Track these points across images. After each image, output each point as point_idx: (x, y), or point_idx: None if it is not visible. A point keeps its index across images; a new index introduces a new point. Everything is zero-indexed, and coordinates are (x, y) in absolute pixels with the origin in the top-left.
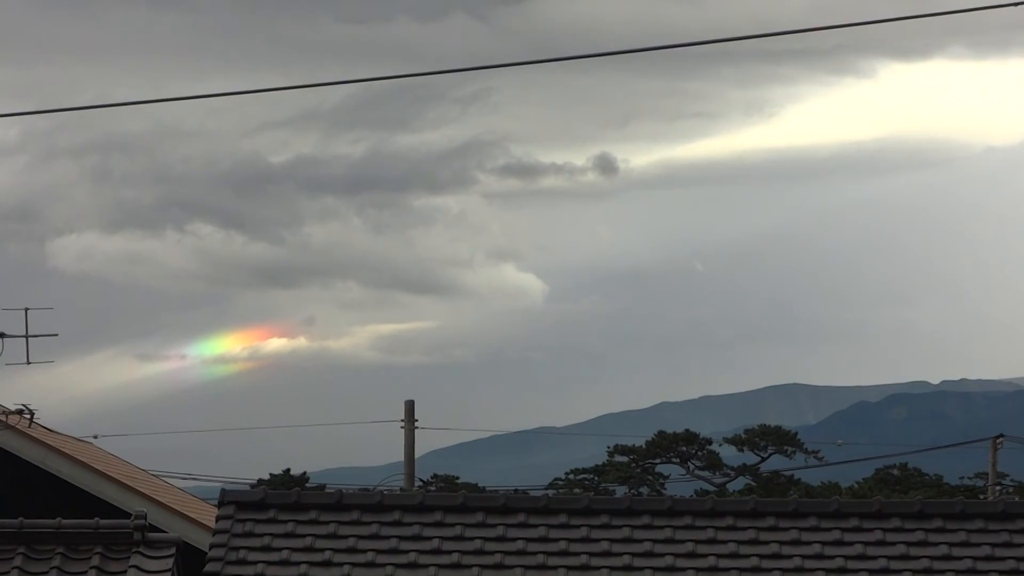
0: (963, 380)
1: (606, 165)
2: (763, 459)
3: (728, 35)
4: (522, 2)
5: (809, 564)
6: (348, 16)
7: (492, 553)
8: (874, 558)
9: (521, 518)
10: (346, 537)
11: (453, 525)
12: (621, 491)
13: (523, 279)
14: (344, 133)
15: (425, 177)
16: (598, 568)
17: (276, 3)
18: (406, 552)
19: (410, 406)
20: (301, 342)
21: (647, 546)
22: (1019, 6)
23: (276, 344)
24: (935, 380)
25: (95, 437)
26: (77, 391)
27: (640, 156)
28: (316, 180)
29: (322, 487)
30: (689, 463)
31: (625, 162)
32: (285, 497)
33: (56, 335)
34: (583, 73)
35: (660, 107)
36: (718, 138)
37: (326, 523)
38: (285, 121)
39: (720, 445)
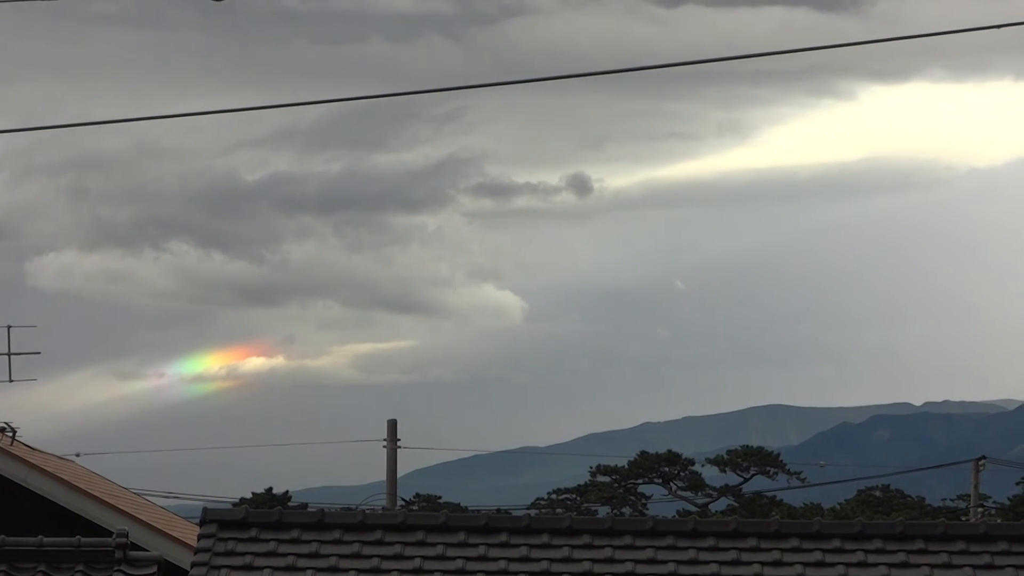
0: (946, 402)
1: (581, 185)
2: (745, 480)
3: (700, 56)
4: (495, 23)
5: None
6: (322, 37)
7: (474, 573)
8: None
9: (503, 538)
10: (328, 556)
11: (435, 544)
12: (603, 511)
13: (502, 298)
14: (320, 152)
15: (401, 196)
16: None
17: (251, 24)
18: (387, 572)
19: (392, 425)
20: (280, 361)
21: (629, 566)
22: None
23: (255, 363)
24: (918, 402)
25: (77, 455)
26: (58, 409)
27: (620, 176)
28: (292, 198)
29: (304, 506)
30: (671, 483)
31: (600, 182)
32: (267, 516)
33: (39, 353)
34: (559, 93)
35: (638, 127)
36: (699, 159)
37: (308, 542)
38: (261, 140)
39: (702, 466)
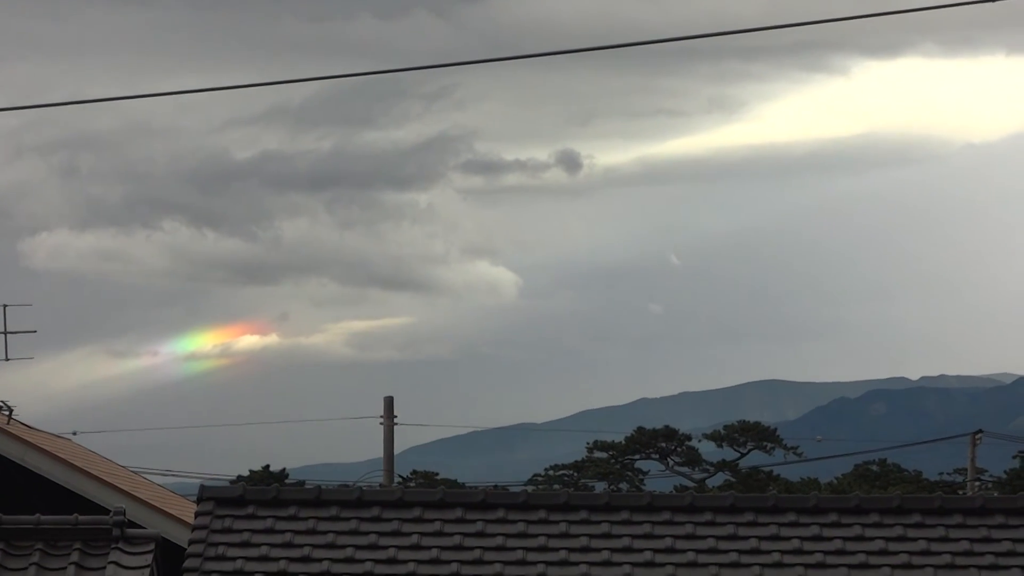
0: (942, 376)
1: (570, 161)
2: (742, 455)
3: (689, 32)
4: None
5: (788, 559)
6: (309, 14)
7: (471, 549)
8: (853, 553)
9: (500, 514)
10: (325, 533)
11: (432, 521)
12: (600, 487)
13: (497, 275)
14: (310, 130)
15: (391, 173)
16: (577, 563)
17: (240, 2)
18: (385, 548)
19: (389, 402)
20: (274, 339)
21: (626, 541)
22: (986, 3)
23: (249, 341)
24: (914, 376)
25: (74, 434)
26: (54, 388)
27: (612, 153)
28: (282, 176)
29: (301, 483)
30: (668, 459)
31: (590, 158)
32: (264, 493)
33: (35, 331)
34: (548, 70)
35: (629, 104)
36: (692, 135)
37: (305, 519)
38: (252, 118)
39: (699, 441)
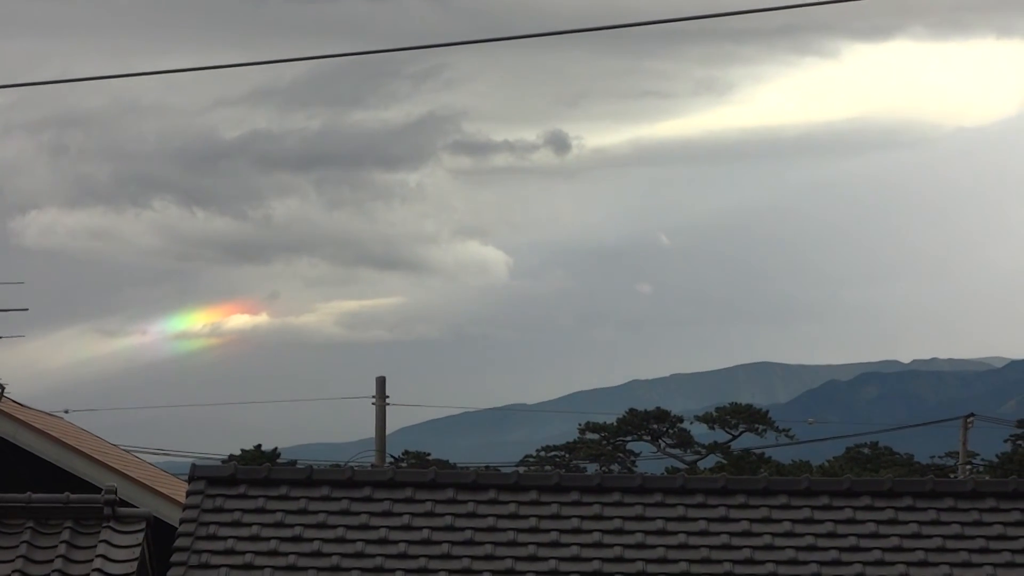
0: (934, 359)
1: (559, 143)
2: (734, 437)
3: (676, 14)
4: None
5: (779, 542)
6: None
7: (462, 529)
8: (844, 536)
9: (491, 495)
10: (316, 513)
11: (423, 501)
12: (592, 468)
13: (487, 255)
14: (299, 110)
15: (380, 153)
16: (568, 545)
17: None
18: (376, 528)
19: (381, 382)
20: (264, 318)
21: (617, 523)
22: None
23: (239, 320)
24: (906, 359)
25: (66, 412)
26: (45, 366)
27: (602, 135)
28: (270, 156)
29: (293, 463)
30: (660, 441)
31: (579, 139)
32: (255, 473)
33: (27, 310)
34: (537, 51)
35: (619, 86)
36: (683, 118)
37: (296, 499)
38: (240, 98)
39: (691, 423)
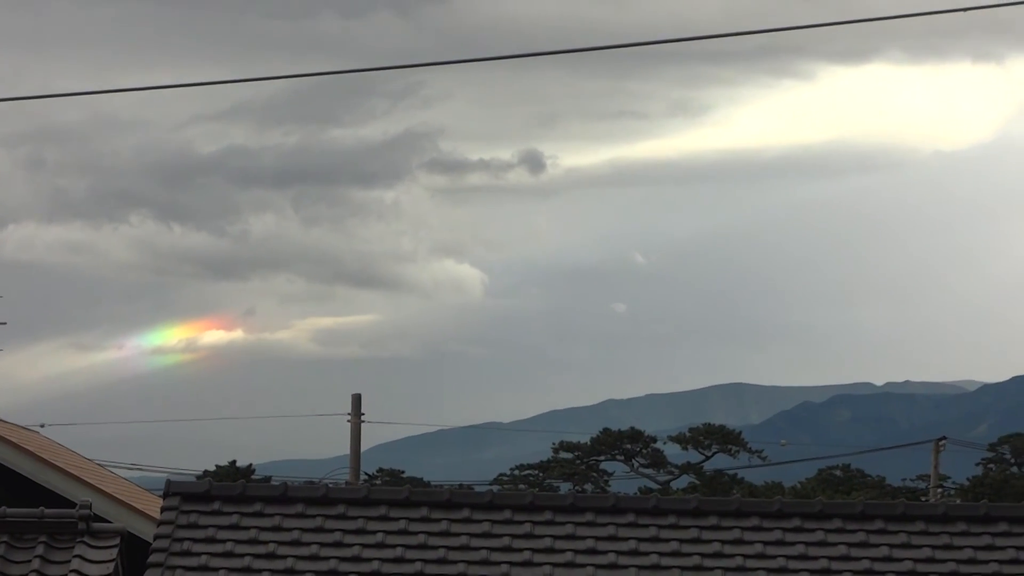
0: (907, 382)
1: (534, 162)
2: (707, 458)
3: (652, 35)
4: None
5: (751, 563)
6: (274, 12)
7: (436, 548)
8: (815, 558)
9: (465, 513)
10: (290, 530)
11: (397, 519)
12: (566, 488)
13: (463, 273)
14: (275, 126)
15: (357, 170)
16: (541, 564)
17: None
18: (350, 546)
19: (357, 399)
20: (239, 334)
21: (590, 543)
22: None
23: (214, 336)
24: (879, 382)
25: (42, 426)
26: (21, 380)
27: (578, 155)
28: (247, 172)
29: (268, 479)
30: (633, 461)
31: (553, 159)
32: (230, 489)
33: (5, 323)
34: (513, 70)
35: (596, 106)
36: (660, 139)
37: (271, 515)
38: (218, 113)
39: (664, 443)
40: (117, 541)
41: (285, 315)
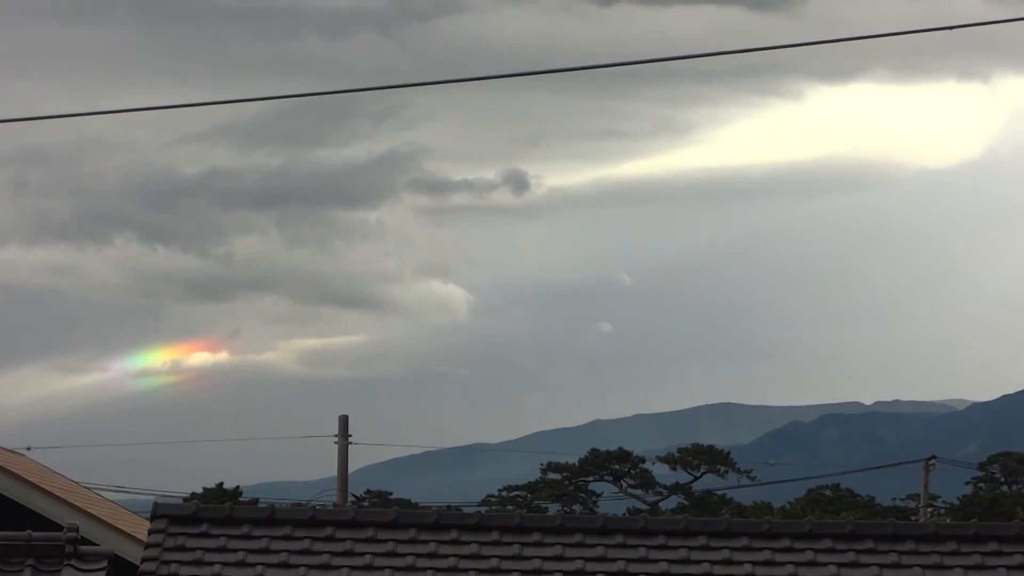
0: (896, 401)
1: (518, 182)
2: (696, 478)
3: (640, 56)
4: (429, 20)
5: None
6: (256, 33)
7: (424, 570)
8: None
9: (453, 535)
10: (278, 552)
11: (385, 541)
12: (554, 508)
13: (449, 293)
14: (259, 147)
15: (342, 191)
16: None
17: (186, 20)
18: (338, 568)
19: (344, 421)
20: (224, 356)
21: (579, 564)
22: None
23: (199, 358)
24: (868, 401)
25: (28, 449)
26: (6, 402)
27: (563, 175)
28: (231, 193)
29: (255, 501)
30: (622, 481)
31: (537, 179)
32: (217, 511)
33: None
34: (498, 90)
35: (581, 126)
36: (647, 158)
37: (258, 538)
38: (201, 135)
39: (653, 463)
40: (104, 564)
41: (270, 336)
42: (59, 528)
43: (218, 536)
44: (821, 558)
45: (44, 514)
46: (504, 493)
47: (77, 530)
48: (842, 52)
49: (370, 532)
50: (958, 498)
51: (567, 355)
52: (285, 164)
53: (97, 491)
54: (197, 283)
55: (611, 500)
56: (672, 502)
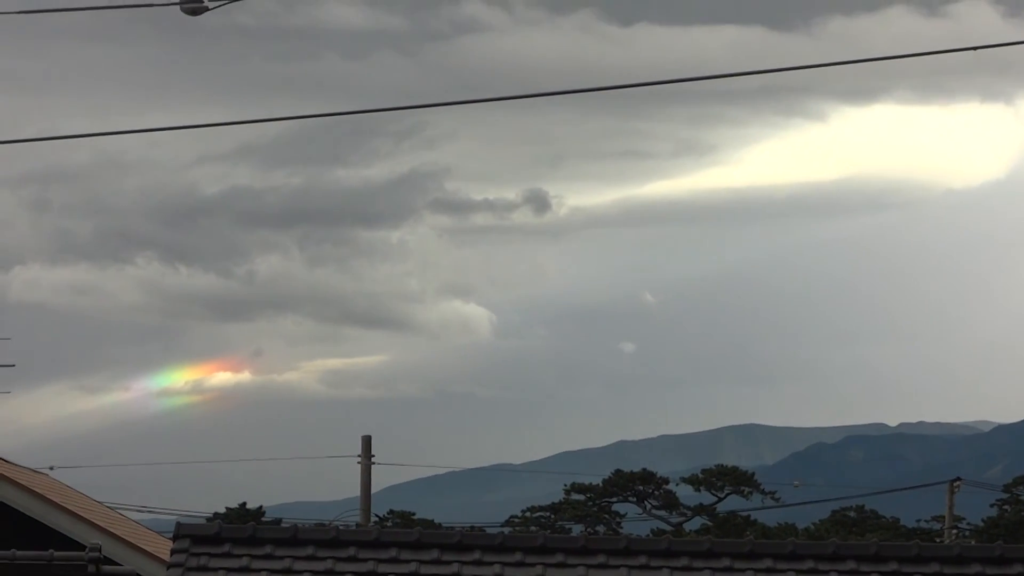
0: (921, 423)
1: (540, 202)
2: (720, 499)
3: (657, 75)
4: (448, 39)
5: None
6: (277, 54)
7: None
8: None
9: (476, 555)
10: (301, 572)
11: (408, 562)
12: (577, 529)
13: (471, 313)
14: (280, 167)
15: (362, 211)
16: None
17: (207, 40)
18: None
19: (367, 441)
20: (246, 376)
21: None
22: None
23: (222, 378)
24: (893, 422)
25: (51, 468)
26: (30, 422)
27: (586, 195)
28: (252, 213)
29: (278, 521)
30: (646, 502)
31: (559, 199)
32: (240, 531)
33: (13, 365)
34: (517, 110)
35: (603, 146)
36: (671, 178)
37: (281, 558)
38: (222, 155)
39: (677, 485)
40: None
41: (293, 356)
42: (82, 548)
43: (241, 556)
44: None
45: (67, 533)
46: (527, 514)
47: (100, 549)
48: (865, 72)
49: (393, 552)
50: (983, 520)
51: (590, 375)
52: (306, 184)
53: (120, 511)
54: (219, 302)
55: (635, 521)
56: (696, 523)
